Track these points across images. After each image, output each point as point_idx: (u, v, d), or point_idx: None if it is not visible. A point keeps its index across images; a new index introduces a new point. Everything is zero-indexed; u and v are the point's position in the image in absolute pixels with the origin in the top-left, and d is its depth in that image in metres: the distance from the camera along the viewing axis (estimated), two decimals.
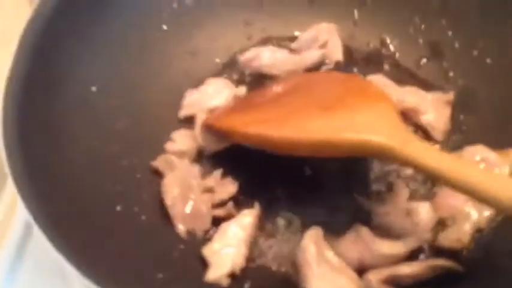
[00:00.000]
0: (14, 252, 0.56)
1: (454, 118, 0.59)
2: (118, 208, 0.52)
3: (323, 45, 0.65)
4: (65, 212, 0.46)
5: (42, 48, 0.54)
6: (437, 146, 0.58)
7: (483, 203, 0.43)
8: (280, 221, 0.54)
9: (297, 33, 0.68)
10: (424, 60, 0.64)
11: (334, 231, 0.53)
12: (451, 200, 0.52)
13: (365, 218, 0.53)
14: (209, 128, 0.58)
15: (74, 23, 0.57)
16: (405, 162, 0.46)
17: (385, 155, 0.46)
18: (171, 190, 0.54)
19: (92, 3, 0.59)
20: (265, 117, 0.53)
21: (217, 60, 0.67)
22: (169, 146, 0.58)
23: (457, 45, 0.62)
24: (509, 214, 0.43)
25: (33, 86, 0.52)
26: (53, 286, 0.53)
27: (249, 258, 0.52)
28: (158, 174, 0.56)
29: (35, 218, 0.41)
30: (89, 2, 0.59)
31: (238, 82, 0.65)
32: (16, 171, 0.44)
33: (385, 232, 0.52)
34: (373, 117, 0.48)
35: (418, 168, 0.45)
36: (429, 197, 0.54)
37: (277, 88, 0.59)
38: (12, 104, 0.48)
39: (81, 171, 0.52)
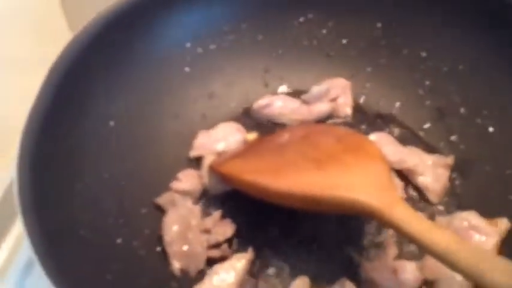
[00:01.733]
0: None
1: (451, 182, 0.60)
2: (118, 241, 0.55)
3: (333, 99, 0.68)
4: (66, 242, 0.49)
5: (70, 79, 0.56)
6: (434, 208, 0.59)
7: (456, 272, 0.43)
8: (271, 268, 0.56)
9: (312, 85, 0.70)
10: (429, 123, 0.65)
11: (323, 282, 0.55)
12: (439, 263, 0.53)
13: (354, 272, 0.55)
14: (214, 171, 0.61)
15: (103, 57, 0.60)
16: (389, 225, 0.47)
17: (371, 216, 0.48)
18: (171, 228, 0.57)
19: (122, 41, 0.62)
20: (264, 167, 0.55)
21: (234, 104, 0.70)
22: (174, 184, 0.61)
23: (462, 111, 0.64)
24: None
25: (56, 115, 0.54)
26: None
27: None
28: (162, 211, 0.59)
29: (37, 253, 0.44)
30: (121, 38, 0.62)
31: (251, 128, 0.68)
32: (25, 206, 0.46)
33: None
34: (364, 177, 0.50)
35: (399, 232, 0.46)
36: (419, 257, 0.55)
37: (282, 137, 0.62)
38: (31, 135, 0.50)
39: (87, 202, 0.55)
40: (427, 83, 0.67)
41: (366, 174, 0.50)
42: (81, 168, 0.56)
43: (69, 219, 0.51)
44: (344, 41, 0.71)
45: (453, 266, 0.43)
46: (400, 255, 0.56)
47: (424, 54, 0.67)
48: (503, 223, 0.53)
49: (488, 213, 0.55)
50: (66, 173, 0.54)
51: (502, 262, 0.40)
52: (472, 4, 0.62)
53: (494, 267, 0.40)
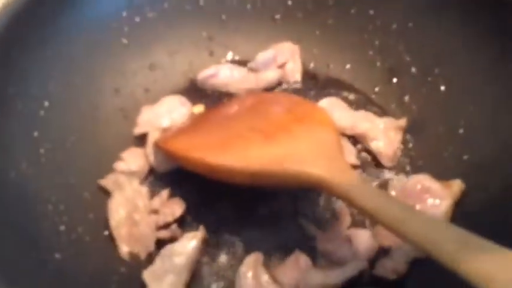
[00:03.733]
0: None
1: (404, 144, 0.59)
2: (61, 228, 0.52)
3: (281, 65, 0.65)
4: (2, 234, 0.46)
5: None
6: (388, 172, 0.58)
7: (408, 243, 0.42)
8: (224, 246, 0.54)
9: (258, 51, 0.67)
10: (381, 85, 0.64)
11: (277, 257, 0.53)
12: None
13: (309, 245, 0.53)
14: (159, 148, 0.57)
15: (30, 35, 0.56)
16: (338, 196, 0.46)
17: (320, 187, 0.46)
18: (117, 211, 0.54)
19: (52, 13, 0.58)
20: (210, 142, 0.53)
21: (177, 76, 0.67)
22: (118, 165, 0.57)
23: (413, 70, 0.62)
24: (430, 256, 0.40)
25: None
26: None
27: (190, 282, 0.52)
28: (107, 194, 0.56)
29: None
30: (50, 11, 0.58)
31: (197, 100, 0.64)
32: None
33: (328, 258, 0.52)
34: (313, 148, 0.48)
35: (349, 203, 0.45)
36: (374, 224, 0.54)
37: (229, 108, 0.59)
38: None
39: (23, 190, 0.51)
40: (377, 42, 0.64)
41: (314, 144, 0.48)
42: (16, 155, 0.52)
43: (3, 213, 0.48)
44: (289, 2, 0.68)
45: (404, 236, 0.41)
46: (354, 224, 0.54)
47: (372, 12, 0.65)
48: (456, 185, 0.52)
49: (442, 174, 0.54)
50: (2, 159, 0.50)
51: (454, 231, 0.39)
52: None
53: (447, 238, 0.38)
